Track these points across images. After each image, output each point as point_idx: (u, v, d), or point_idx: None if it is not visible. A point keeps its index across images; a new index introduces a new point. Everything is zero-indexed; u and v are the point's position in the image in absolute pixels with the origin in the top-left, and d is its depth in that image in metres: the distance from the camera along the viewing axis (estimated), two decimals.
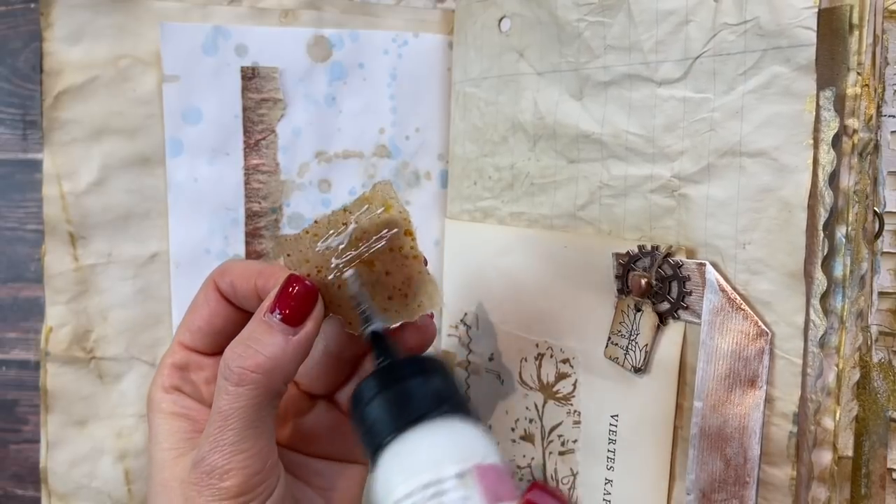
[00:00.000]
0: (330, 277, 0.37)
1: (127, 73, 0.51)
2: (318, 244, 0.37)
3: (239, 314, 0.39)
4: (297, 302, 0.36)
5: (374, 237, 0.37)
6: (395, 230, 0.37)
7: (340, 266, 0.37)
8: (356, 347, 0.40)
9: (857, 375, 0.39)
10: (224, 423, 0.34)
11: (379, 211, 0.37)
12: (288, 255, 0.38)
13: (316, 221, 0.38)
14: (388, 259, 0.37)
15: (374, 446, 0.33)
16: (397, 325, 0.38)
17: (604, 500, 0.44)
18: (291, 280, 0.36)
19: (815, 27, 0.36)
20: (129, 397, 0.52)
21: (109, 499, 0.52)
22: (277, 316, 0.35)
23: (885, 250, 0.40)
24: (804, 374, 0.37)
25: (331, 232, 0.37)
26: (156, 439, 0.37)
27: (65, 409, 0.52)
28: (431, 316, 0.40)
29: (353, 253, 0.37)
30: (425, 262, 0.38)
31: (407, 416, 0.33)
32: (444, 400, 0.34)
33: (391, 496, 0.31)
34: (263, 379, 0.34)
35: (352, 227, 0.37)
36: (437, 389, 0.34)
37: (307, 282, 0.36)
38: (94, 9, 0.50)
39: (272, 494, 0.35)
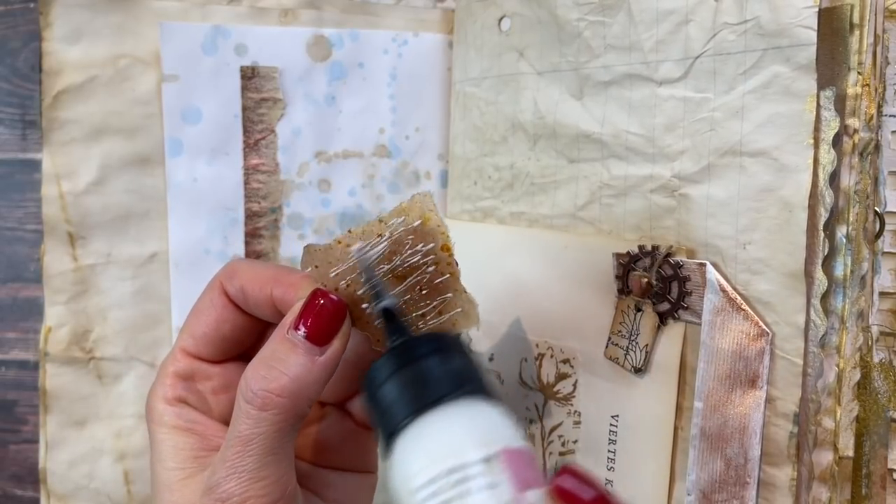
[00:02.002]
0: (360, 292, 0.35)
1: (126, 72, 0.51)
2: (350, 255, 0.35)
3: (249, 321, 0.37)
4: (323, 319, 0.33)
5: (409, 251, 0.35)
6: (432, 244, 0.35)
7: (373, 281, 0.35)
8: (374, 357, 0.37)
9: (857, 375, 0.39)
10: (243, 449, 0.32)
11: (416, 223, 0.35)
12: (316, 267, 0.35)
13: (350, 231, 0.35)
14: (423, 275, 0.35)
15: (390, 430, 0.31)
16: None
17: None
18: (318, 294, 0.33)
19: (815, 27, 0.36)
20: (129, 398, 0.52)
21: (109, 499, 0.52)
22: (302, 333, 0.33)
23: (885, 250, 0.40)
24: (804, 374, 0.37)
25: (365, 242, 0.35)
26: (159, 456, 0.35)
27: (64, 409, 0.52)
28: None
29: (387, 266, 0.35)
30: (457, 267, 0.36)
31: (426, 398, 0.30)
32: (466, 380, 0.31)
33: (410, 483, 0.29)
34: (288, 403, 0.32)
35: (386, 239, 0.34)
36: (457, 369, 0.31)
37: (333, 296, 0.34)
38: (93, 8, 0.50)
39: None
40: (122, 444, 0.52)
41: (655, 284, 0.41)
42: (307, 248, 0.36)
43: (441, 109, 0.55)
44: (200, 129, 0.52)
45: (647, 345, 0.41)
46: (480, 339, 0.51)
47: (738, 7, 0.38)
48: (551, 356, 0.47)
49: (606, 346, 0.43)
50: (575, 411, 0.46)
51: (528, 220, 0.48)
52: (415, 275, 0.35)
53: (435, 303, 0.35)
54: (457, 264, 0.35)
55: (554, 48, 0.46)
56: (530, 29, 0.48)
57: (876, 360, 0.39)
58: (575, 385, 0.46)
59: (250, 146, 0.53)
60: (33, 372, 0.54)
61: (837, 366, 0.38)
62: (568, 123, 0.46)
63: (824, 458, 0.38)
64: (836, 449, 0.38)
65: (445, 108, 0.55)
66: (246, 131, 0.53)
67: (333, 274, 0.35)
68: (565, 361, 0.46)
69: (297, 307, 0.34)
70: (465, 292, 0.36)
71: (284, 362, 0.33)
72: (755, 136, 0.38)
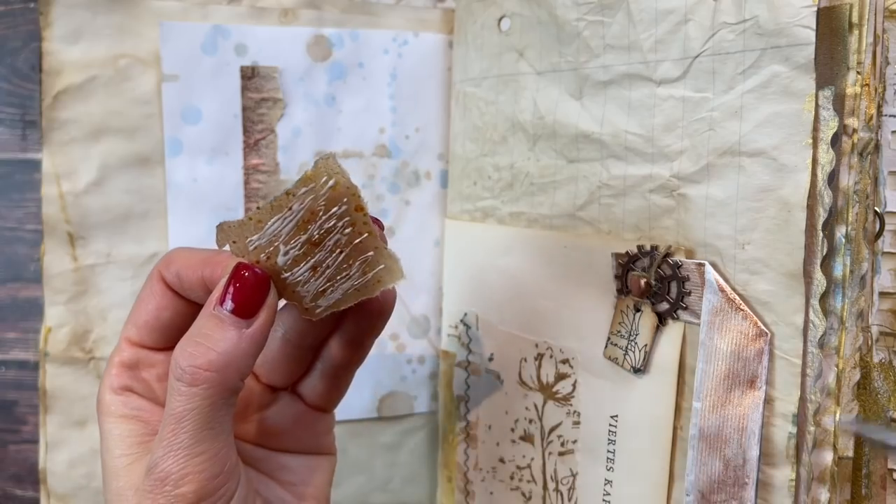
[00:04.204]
0: (280, 263, 0.35)
1: (126, 72, 0.51)
2: (264, 230, 0.34)
3: (189, 306, 0.37)
4: (247, 292, 0.34)
5: (324, 216, 0.34)
6: (345, 207, 0.34)
7: (291, 252, 0.34)
8: (316, 334, 0.38)
9: (857, 376, 0.39)
10: (177, 426, 0.32)
11: (324, 190, 0.34)
12: (234, 242, 0.35)
13: (258, 208, 0.35)
14: (341, 236, 0.34)
15: None
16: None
17: (603, 500, 0.44)
18: (240, 268, 0.34)
19: (814, 26, 0.36)
20: None
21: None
22: (228, 308, 0.33)
23: (885, 250, 0.40)
24: (803, 374, 0.37)
25: (276, 217, 0.34)
26: (107, 445, 0.35)
27: (64, 409, 0.52)
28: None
29: (303, 237, 0.34)
30: (381, 231, 0.35)
31: None
32: None
33: None
34: (218, 377, 0.32)
35: (297, 210, 0.34)
36: None
37: (257, 269, 0.34)
38: (93, 8, 0.50)
39: (233, 498, 0.34)
40: None
41: (654, 284, 0.41)
42: (220, 226, 0.35)
43: (441, 109, 0.55)
44: (200, 129, 0.51)
45: (646, 345, 0.41)
46: (480, 339, 0.51)
47: (737, 7, 0.38)
48: (551, 356, 0.47)
49: (606, 346, 0.43)
50: (574, 411, 0.46)
51: (528, 220, 0.48)
52: (331, 236, 0.34)
53: (358, 262, 0.35)
54: (374, 222, 0.35)
55: (553, 48, 0.46)
56: (530, 29, 0.48)
57: (876, 360, 0.39)
58: (574, 385, 0.46)
59: (250, 146, 0.53)
60: (33, 372, 0.54)
61: (837, 366, 0.38)
62: (567, 123, 0.46)
63: (823, 458, 0.38)
64: (835, 449, 0.38)
65: (446, 108, 0.55)
66: (246, 131, 0.53)
67: (252, 247, 0.35)
68: (565, 361, 0.46)
69: (222, 283, 0.34)
70: (386, 248, 0.35)
71: (211, 338, 0.33)
72: (754, 135, 0.38)
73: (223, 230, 0.35)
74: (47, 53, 0.50)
